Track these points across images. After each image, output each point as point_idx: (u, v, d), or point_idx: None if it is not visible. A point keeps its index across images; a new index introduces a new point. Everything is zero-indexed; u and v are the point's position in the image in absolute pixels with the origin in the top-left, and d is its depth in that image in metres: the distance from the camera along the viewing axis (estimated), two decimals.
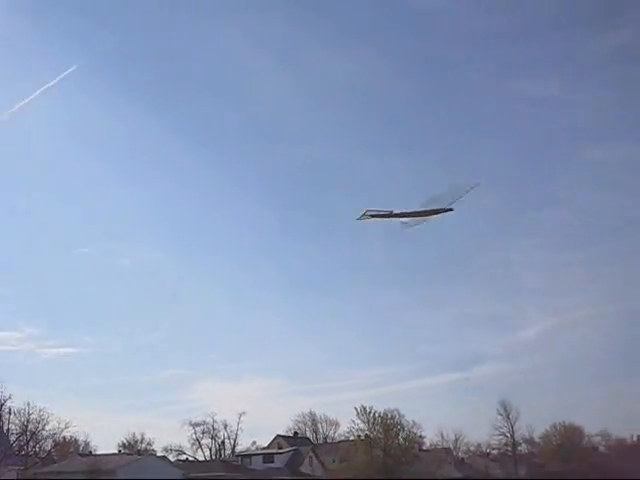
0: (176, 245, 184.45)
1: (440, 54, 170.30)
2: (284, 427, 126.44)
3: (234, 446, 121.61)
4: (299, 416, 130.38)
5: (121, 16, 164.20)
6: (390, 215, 44.09)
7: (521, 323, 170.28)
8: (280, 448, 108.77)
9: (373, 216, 44.21)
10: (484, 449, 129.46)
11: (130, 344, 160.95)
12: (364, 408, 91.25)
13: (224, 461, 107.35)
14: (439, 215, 43.18)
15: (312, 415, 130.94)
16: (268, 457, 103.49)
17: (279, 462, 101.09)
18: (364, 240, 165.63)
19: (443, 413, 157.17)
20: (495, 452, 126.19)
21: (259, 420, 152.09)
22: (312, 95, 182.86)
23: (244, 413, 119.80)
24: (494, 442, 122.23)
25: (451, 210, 42.75)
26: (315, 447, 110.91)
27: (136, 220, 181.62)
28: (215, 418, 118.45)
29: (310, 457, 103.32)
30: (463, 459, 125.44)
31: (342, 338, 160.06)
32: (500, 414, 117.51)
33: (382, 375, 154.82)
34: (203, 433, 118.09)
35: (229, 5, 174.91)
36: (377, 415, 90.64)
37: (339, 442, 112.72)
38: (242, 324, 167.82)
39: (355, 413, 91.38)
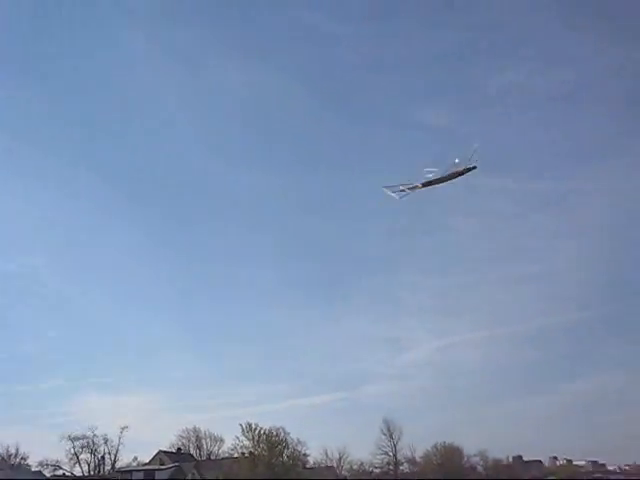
0: (60, 252, 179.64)
1: (343, 77, 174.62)
2: (167, 443, 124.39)
3: (114, 461, 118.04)
4: (183, 432, 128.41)
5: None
6: (416, 187, 44.77)
7: (409, 344, 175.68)
8: (162, 464, 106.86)
9: (391, 188, 44.42)
10: (367, 468, 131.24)
11: (9, 352, 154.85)
12: (249, 425, 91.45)
13: (103, 477, 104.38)
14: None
15: (196, 431, 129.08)
16: (149, 473, 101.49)
17: (161, 478, 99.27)
18: (254, 259, 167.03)
19: (328, 431, 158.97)
20: (378, 471, 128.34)
21: (141, 435, 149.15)
22: (199, 107, 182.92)
23: (126, 427, 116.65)
24: (377, 461, 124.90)
25: (475, 168, 43.55)
26: (198, 463, 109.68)
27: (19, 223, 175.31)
28: (95, 432, 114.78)
29: (193, 473, 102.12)
30: (346, 477, 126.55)
31: (231, 355, 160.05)
32: (384, 433, 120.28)
33: (269, 393, 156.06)
34: (82, 448, 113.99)
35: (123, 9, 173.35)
36: (262, 432, 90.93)
37: (223, 459, 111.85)
38: (127, 336, 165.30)
39: (240, 430, 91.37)
